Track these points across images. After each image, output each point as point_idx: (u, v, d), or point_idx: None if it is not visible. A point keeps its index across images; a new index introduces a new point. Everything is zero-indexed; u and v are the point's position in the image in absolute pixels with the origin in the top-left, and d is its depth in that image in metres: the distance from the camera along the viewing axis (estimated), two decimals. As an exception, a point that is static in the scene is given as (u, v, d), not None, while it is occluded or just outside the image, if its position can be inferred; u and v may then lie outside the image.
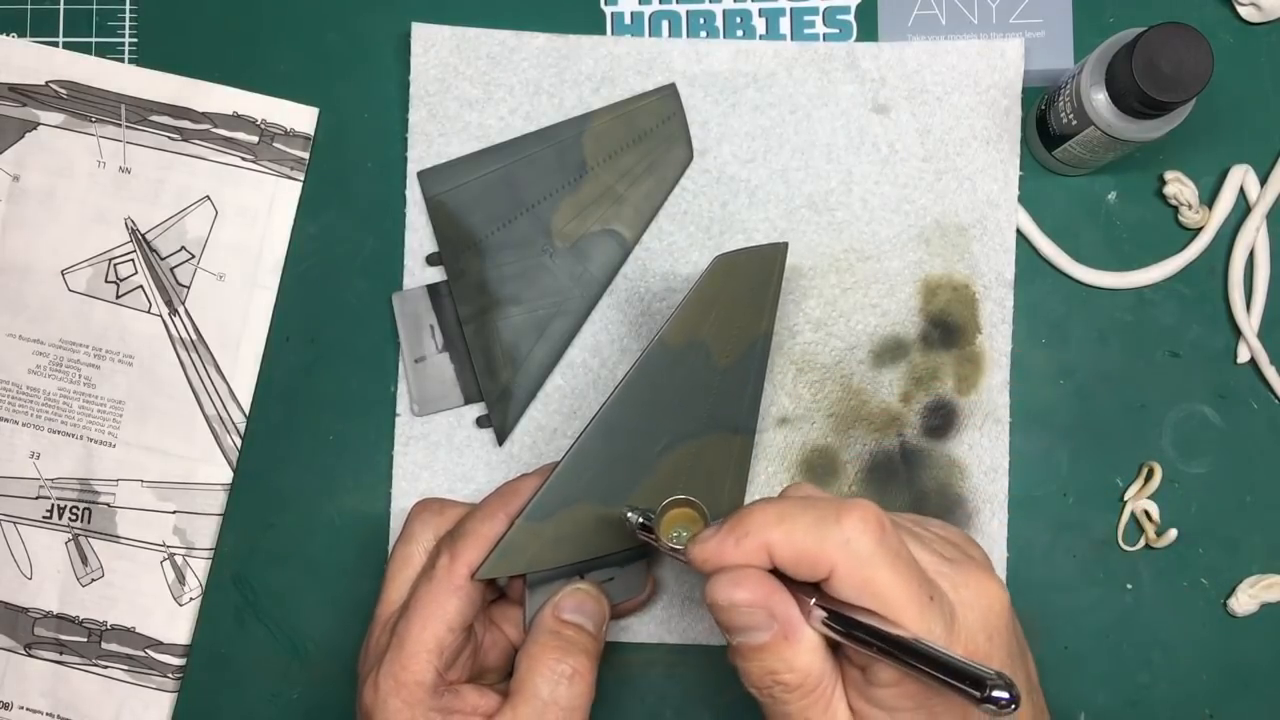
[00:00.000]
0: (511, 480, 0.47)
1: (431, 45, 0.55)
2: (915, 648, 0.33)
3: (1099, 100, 0.48)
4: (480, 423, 0.54)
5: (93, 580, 0.55)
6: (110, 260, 0.56)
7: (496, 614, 0.48)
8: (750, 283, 0.49)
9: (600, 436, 0.45)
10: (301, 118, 0.56)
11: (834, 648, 0.37)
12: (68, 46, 0.56)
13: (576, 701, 0.43)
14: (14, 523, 0.55)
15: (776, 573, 0.37)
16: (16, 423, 0.55)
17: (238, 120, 0.56)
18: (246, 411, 0.55)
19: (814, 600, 0.36)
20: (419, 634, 0.43)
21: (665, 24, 0.56)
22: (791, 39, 0.55)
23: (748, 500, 0.50)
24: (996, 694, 0.31)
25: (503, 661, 0.48)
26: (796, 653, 0.36)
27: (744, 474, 0.50)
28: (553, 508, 0.45)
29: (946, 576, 0.37)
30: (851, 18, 0.55)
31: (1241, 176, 0.54)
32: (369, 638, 0.46)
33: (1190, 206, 0.54)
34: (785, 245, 0.50)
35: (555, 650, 0.43)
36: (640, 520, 0.44)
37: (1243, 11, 0.55)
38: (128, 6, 0.56)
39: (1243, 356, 0.54)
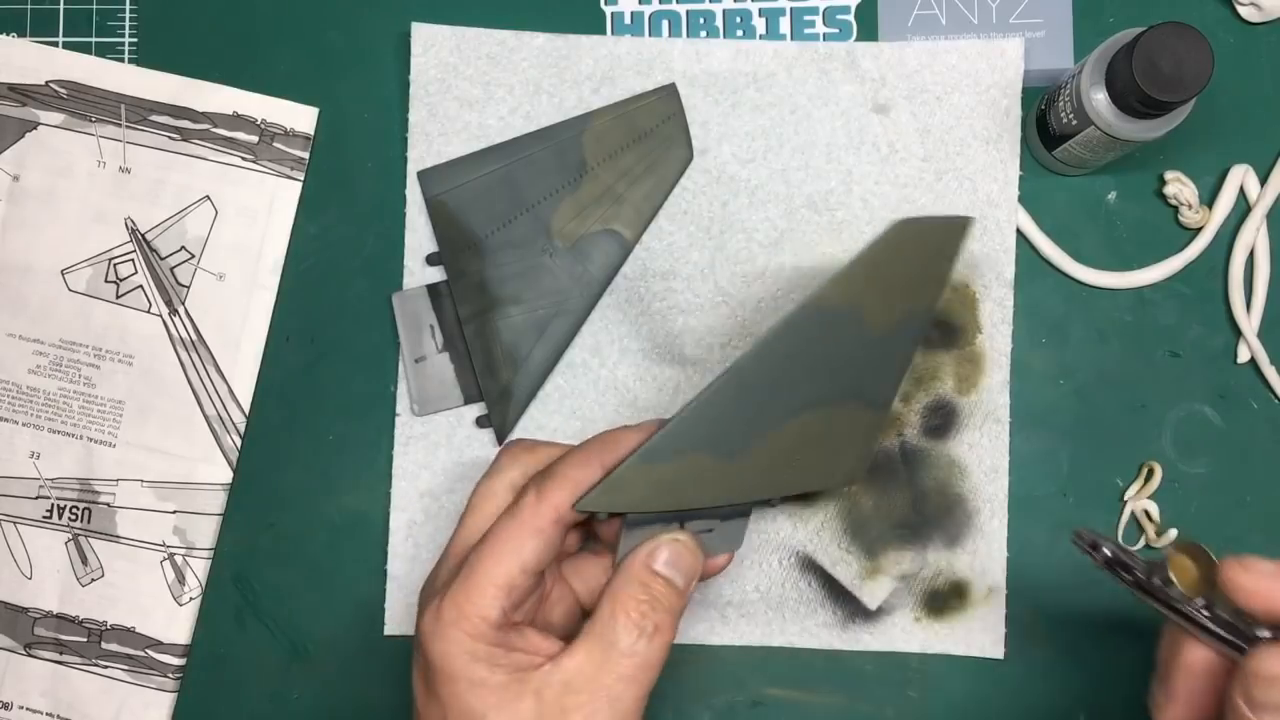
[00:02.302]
0: (612, 430, 0.45)
1: (431, 45, 0.55)
2: None
3: (1099, 100, 0.48)
4: (480, 423, 0.54)
5: (93, 580, 0.55)
6: (110, 260, 0.56)
7: (569, 569, 0.47)
8: (926, 254, 0.46)
9: (732, 388, 0.43)
10: (301, 118, 0.56)
11: None
12: (68, 46, 0.56)
13: (654, 657, 0.41)
14: (14, 523, 0.55)
15: None
16: (16, 423, 0.55)
17: (238, 120, 0.56)
18: (246, 411, 0.55)
19: None
20: (492, 568, 0.41)
21: (665, 24, 0.56)
22: (791, 39, 0.55)
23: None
24: None
25: (566, 620, 0.46)
26: None
27: (871, 446, 0.48)
28: (668, 452, 0.42)
29: None
30: (851, 18, 0.55)
31: (1241, 176, 0.54)
32: (437, 568, 0.44)
33: (1190, 206, 0.54)
34: (970, 220, 0.48)
35: (643, 603, 0.42)
36: (1113, 555, 0.40)
37: (1243, 11, 0.55)
38: (128, 6, 0.56)
39: (1243, 356, 0.54)
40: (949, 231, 0.47)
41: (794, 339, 0.44)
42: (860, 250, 0.44)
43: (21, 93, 0.56)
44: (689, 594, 0.44)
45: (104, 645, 0.55)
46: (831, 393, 0.45)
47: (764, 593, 0.54)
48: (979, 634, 0.54)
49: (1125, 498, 0.54)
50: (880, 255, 0.44)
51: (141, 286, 0.55)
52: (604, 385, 0.54)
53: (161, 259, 0.56)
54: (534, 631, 0.43)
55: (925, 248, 0.46)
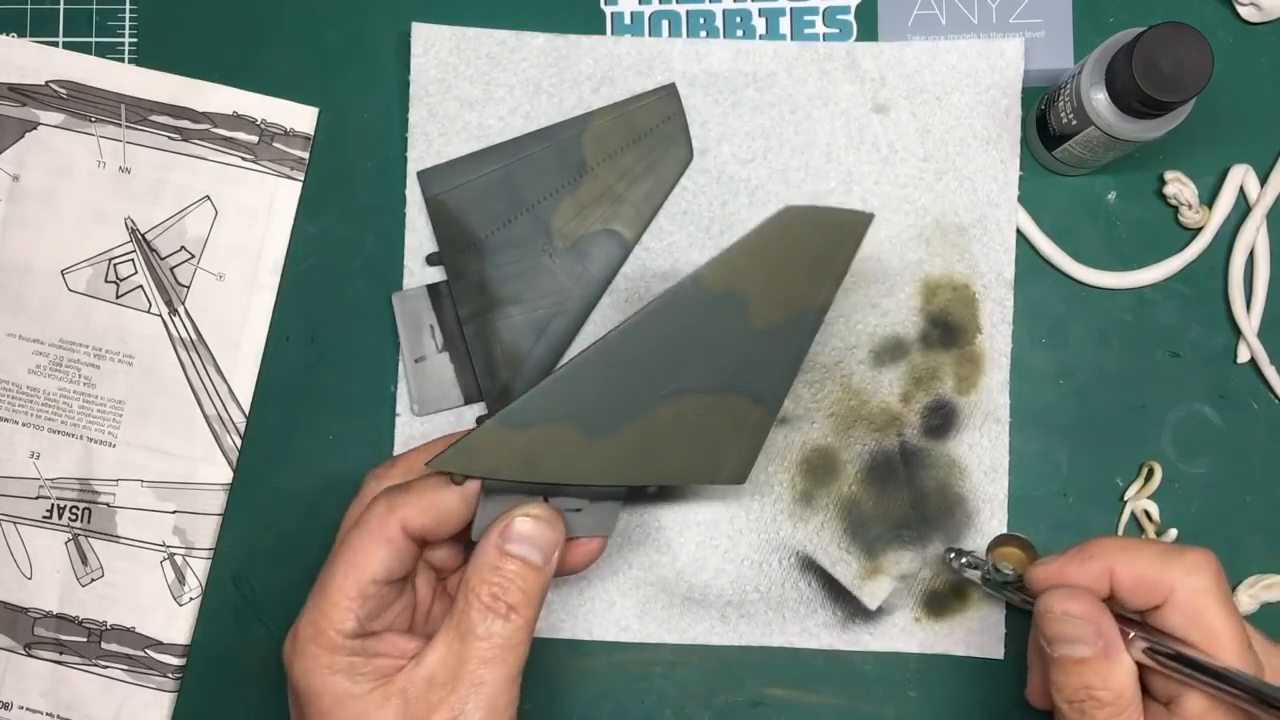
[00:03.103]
0: (434, 440, 0.46)
1: (431, 45, 0.55)
2: (1242, 678, 0.39)
3: (1099, 100, 0.48)
4: (480, 423, 0.54)
5: (92, 580, 0.55)
6: (110, 260, 0.56)
7: (452, 583, 0.47)
8: (816, 247, 0.45)
9: (602, 360, 0.42)
10: (301, 118, 0.56)
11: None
12: (68, 46, 0.56)
13: (515, 637, 0.41)
14: (14, 523, 0.55)
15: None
16: (16, 423, 0.55)
17: (238, 120, 0.56)
18: (246, 411, 0.55)
19: (1134, 633, 0.41)
20: (342, 580, 0.41)
21: (665, 24, 0.56)
22: (791, 39, 0.55)
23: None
24: None
25: None
26: (1114, 672, 0.40)
27: (756, 446, 0.47)
28: (529, 418, 0.41)
29: (1259, 641, 0.44)
30: (851, 18, 0.55)
31: (1241, 176, 0.54)
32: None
33: (1190, 206, 0.54)
34: (870, 216, 0.46)
35: (495, 585, 0.41)
36: (966, 560, 0.51)
37: (1243, 11, 0.55)
38: (128, 6, 0.56)
39: (1243, 356, 0.54)
40: (845, 226, 0.46)
41: (671, 318, 0.43)
42: (743, 234, 0.43)
43: (21, 93, 0.56)
44: (551, 568, 0.42)
45: (104, 645, 0.55)
46: (711, 381, 0.45)
47: (764, 593, 0.54)
48: (979, 634, 0.54)
49: (1125, 498, 0.54)
50: (764, 241, 0.43)
51: (141, 286, 0.55)
52: (604, 385, 0.54)
53: (161, 259, 0.56)
54: (396, 635, 0.42)
55: (817, 240, 0.45)
